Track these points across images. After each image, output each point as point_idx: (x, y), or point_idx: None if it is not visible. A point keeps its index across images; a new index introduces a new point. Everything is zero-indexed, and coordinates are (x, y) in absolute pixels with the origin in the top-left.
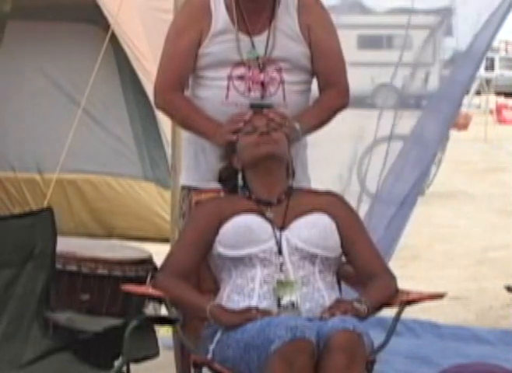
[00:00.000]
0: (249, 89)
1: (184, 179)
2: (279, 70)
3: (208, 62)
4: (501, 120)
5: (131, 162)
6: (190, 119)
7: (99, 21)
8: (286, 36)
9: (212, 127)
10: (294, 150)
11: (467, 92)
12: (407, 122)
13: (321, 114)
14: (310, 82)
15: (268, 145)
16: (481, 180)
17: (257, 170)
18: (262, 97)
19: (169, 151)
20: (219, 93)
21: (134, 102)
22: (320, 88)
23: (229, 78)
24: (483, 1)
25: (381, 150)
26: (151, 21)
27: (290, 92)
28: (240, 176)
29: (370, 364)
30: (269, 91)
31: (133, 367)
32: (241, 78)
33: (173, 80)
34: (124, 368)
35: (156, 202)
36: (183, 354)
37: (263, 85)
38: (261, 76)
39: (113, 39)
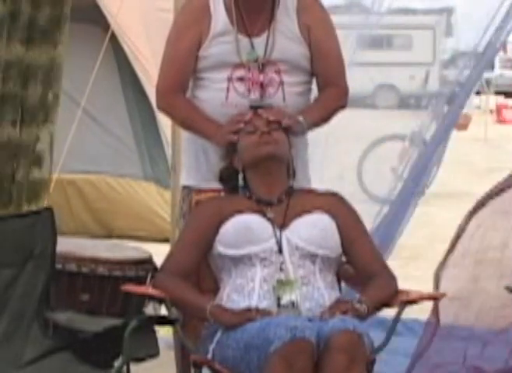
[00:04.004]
0: (248, 91)
1: (185, 179)
2: (278, 71)
3: (208, 64)
4: (501, 120)
5: (131, 162)
6: (190, 119)
7: (99, 21)
8: (286, 38)
9: (212, 127)
10: (295, 149)
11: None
12: (407, 122)
13: (322, 111)
14: (310, 83)
15: (269, 145)
16: (481, 180)
17: (257, 170)
18: (261, 98)
19: (169, 151)
20: (218, 95)
21: (134, 102)
22: (320, 89)
23: (230, 79)
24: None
25: (381, 150)
26: (151, 21)
27: (290, 94)
28: (240, 176)
29: (370, 364)
30: (268, 92)
31: (133, 367)
32: (241, 79)
33: (173, 82)
34: (124, 368)
35: (156, 202)
36: (183, 354)
37: (262, 86)
38: (261, 77)
39: (113, 39)
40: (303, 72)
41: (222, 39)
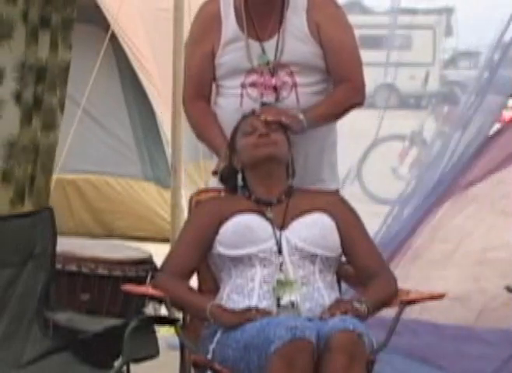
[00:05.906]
0: (261, 95)
1: (212, 182)
2: (291, 73)
3: (222, 72)
4: (501, 120)
5: (131, 162)
6: (201, 128)
7: (99, 21)
8: (295, 38)
9: (217, 145)
10: (318, 148)
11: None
12: (407, 122)
13: (330, 106)
14: (326, 81)
15: (268, 147)
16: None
17: (256, 171)
18: (276, 101)
19: (169, 151)
20: (233, 101)
21: (134, 103)
22: (335, 86)
23: (243, 85)
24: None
25: (381, 150)
26: (151, 21)
27: (304, 95)
28: (239, 176)
29: (370, 364)
30: (282, 95)
31: (133, 367)
32: (254, 84)
33: (192, 92)
34: (124, 368)
35: (156, 202)
36: (182, 354)
37: (275, 89)
38: (273, 81)
39: (113, 39)
40: (317, 71)
41: (233, 46)
